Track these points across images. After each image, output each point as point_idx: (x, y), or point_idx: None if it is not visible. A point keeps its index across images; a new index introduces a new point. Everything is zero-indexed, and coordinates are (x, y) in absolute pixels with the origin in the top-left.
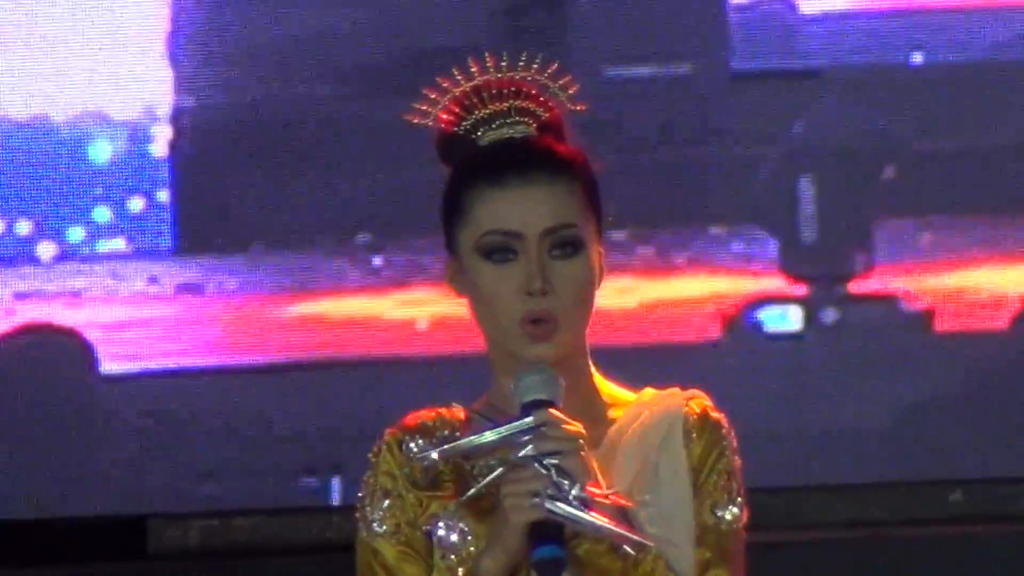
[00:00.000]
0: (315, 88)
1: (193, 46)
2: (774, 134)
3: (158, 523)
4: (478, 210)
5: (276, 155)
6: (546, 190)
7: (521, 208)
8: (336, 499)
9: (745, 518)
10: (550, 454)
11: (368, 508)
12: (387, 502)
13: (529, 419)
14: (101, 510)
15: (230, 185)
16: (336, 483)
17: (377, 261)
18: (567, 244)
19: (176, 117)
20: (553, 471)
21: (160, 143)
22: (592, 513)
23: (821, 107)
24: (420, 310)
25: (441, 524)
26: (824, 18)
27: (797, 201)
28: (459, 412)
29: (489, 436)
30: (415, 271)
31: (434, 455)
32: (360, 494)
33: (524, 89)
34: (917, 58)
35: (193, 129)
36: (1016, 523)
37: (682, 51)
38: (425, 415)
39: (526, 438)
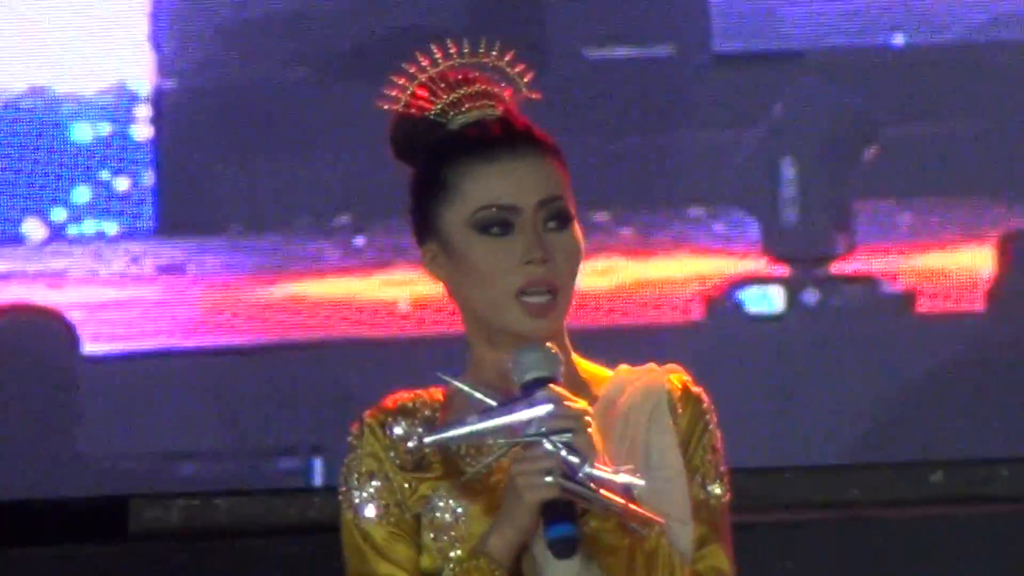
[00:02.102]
0: (296, 69)
1: (174, 27)
2: (755, 115)
3: (139, 503)
4: (467, 186)
5: (257, 136)
6: (535, 163)
7: (515, 181)
8: (318, 480)
9: (730, 493)
10: (559, 431)
11: (354, 491)
12: (374, 484)
13: (538, 396)
14: (82, 491)
15: (211, 166)
16: (318, 464)
17: (358, 242)
18: (559, 216)
19: (157, 99)
20: (563, 449)
21: (141, 124)
22: (603, 491)
23: (802, 89)
24: (401, 291)
25: (433, 505)
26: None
27: (778, 182)
28: (437, 393)
29: (499, 415)
30: (396, 252)
31: (445, 436)
32: (342, 476)
33: (482, 76)
34: (898, 40)
35: (174, 110)
36: (996, 504)
37: (663, 32)
38: (404, 396)
39: (533, 416)
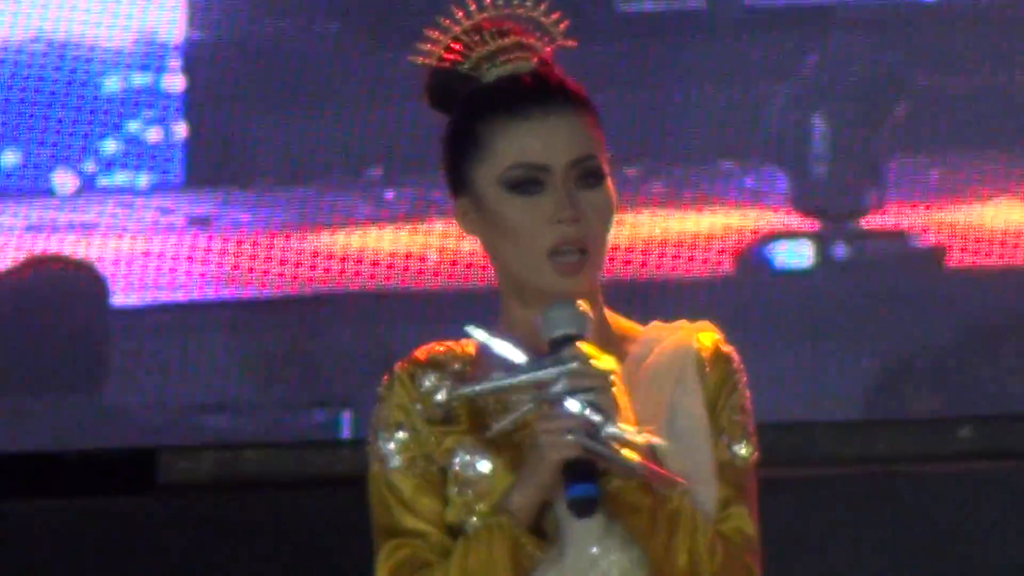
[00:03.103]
0: (328, 21)
1: None
2: (786, 70)
3: (169, 455)
4: (500, 143)
5: (288, 89)
6: (568, 121)
7: (546, 140)
8: (346, 432)
9: (756, 453)
10: (583, 390)
11: (381, 441)
12: (401, 435)
13: (563, 354)
14: (112, 443)
15: (242, 119)
16: (346, 416)
17: (388, 195)
18: (591, 174)
19: (188, 50)
20: (587, 407)
21: (172, 76)
22: (626, 450)
23: (833, 43)
24: (431, 243)
25: (459, 459)
26: None
27: (809, 137)
28: (468, 346)
29: (524, 373)
30: (426, 205)
31: (469, 391)
32: (371, 427)
33: (518, 27)
34: None
35: (205, 63)
36: None
37: None
38: (435, 349)
39: (558, 374)
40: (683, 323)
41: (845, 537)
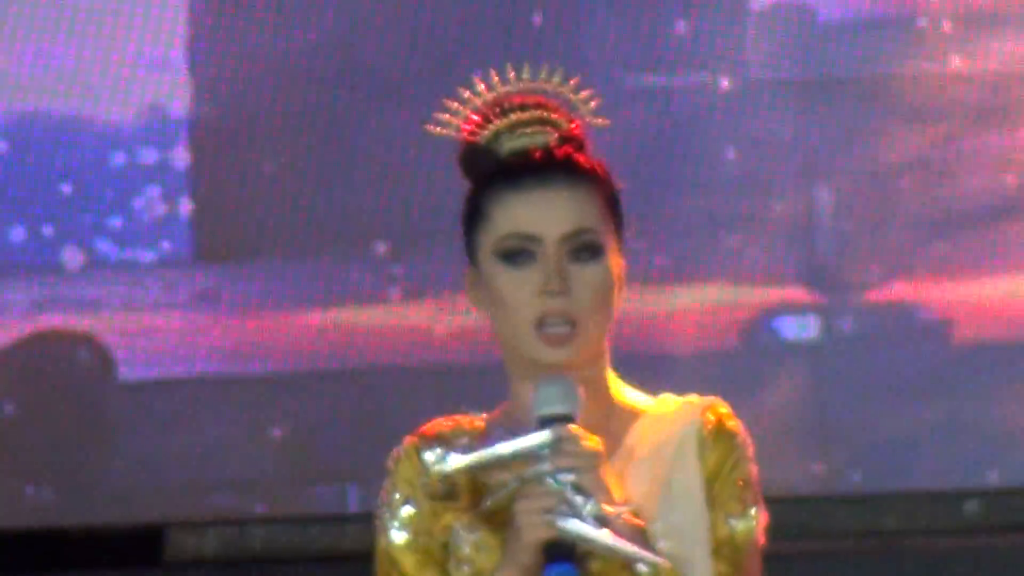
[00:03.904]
0: (334, 95)
1: (211, 53)
2: (792, 142)
3: (175, 531)
4: (496, 214)
5: (295, 163)
6: (565, 195)
7: (539, 211)
8: (352, 507)
9: (763, 525)
10: (566, 470)
11: (387, 516)
12: (406, 510)
13: (546, 434)
14: (118, 518)
15: (248, 193)
16: (352, 491)
17: (395, 270)
18: (586, 249)
19: (195, 125)
20: (568, 488)
21: (179, 151)
22: (606, 531)
23: (839, 116)
24: (438, 319)
25: (456, 535)
26: (843, 27)
27: (814, 210)
28: (478, 421)
29: (505, 450)
30: (433, 280)
31: (448, 468)
32: (379, 502)
33: (545, 102)
34: (934, 66)
35: (212, 137)
36: None
37: (700, 60)
38: (443, 424)
39: (542, 453)
40: (693, 397)
41: None
